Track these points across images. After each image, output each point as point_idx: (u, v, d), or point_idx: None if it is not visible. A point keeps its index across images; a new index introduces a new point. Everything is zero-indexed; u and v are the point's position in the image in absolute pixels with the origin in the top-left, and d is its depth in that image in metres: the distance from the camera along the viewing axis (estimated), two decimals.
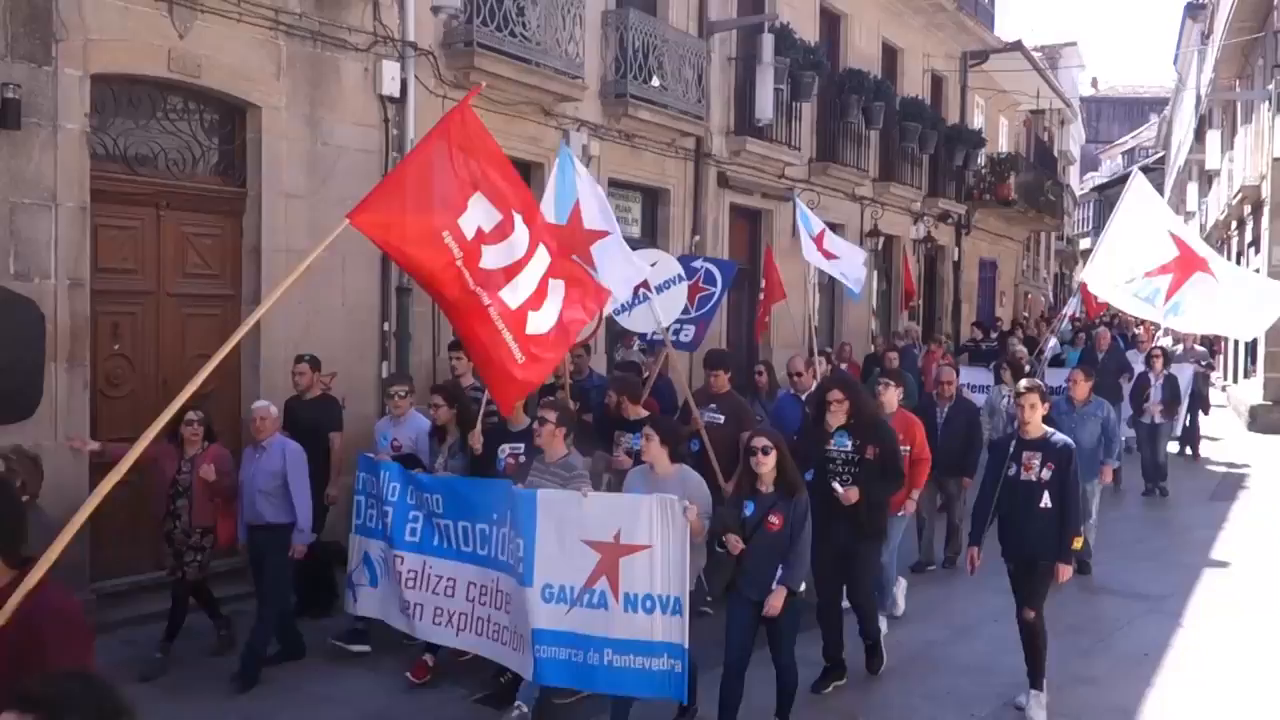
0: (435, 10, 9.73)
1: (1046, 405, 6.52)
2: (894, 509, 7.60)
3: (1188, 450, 15.67)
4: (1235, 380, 23.43)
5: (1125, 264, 9.23)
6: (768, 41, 14.18)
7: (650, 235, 14.13)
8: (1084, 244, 61.38)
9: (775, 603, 5.63)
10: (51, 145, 7.45)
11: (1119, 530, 11.12)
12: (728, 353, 9.41)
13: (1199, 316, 9.71)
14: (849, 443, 6.79)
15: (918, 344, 17.05)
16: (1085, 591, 9.06)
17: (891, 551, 7.99)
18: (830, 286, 18.88)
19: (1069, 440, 6.46)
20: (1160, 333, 19.09)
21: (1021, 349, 14.07)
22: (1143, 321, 26.82)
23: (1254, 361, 20.28)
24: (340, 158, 9.52)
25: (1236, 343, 23.65)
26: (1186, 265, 9.22)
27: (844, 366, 13.38)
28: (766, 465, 5.74)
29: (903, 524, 8.15)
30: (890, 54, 20.63)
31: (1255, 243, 20.62)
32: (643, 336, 10.60)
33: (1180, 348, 17.52)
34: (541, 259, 5.14)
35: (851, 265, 12.43)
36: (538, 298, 5.16)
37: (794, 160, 16.31)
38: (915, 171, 20.85)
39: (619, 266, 7.74)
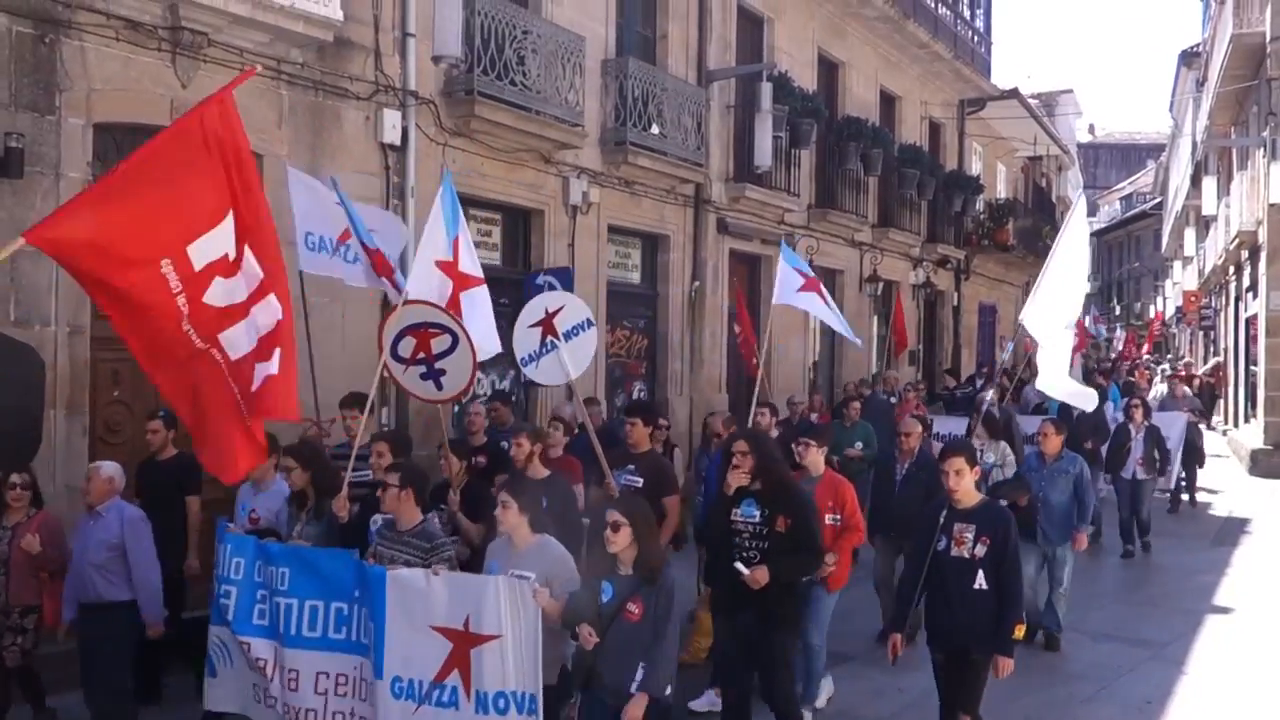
0: (436, 60, 9.85)
1: (975, 471, 5.62)
2: (832, 585, 6.84)
3: (1184, 498, 14.96)
4: (1236, 425, 23.39)
5: (1065, 305, 8.09)
6: (766, 89, 14.32)
7: (650, 281, 14.20)
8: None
9: (633, 713, 4.77)
10: (54, 194, 7.51)
11: (1120, 576, 11.08)
12: (649, 402, 8.64)
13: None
14: (757, 512, 5.90)
15: (894, 392, 15.85)
16: (1087, 638, 8.99)
17: (822, 633, 6.96)
18: (831, 331, 18.93)
19: (1006, 511, 5.65)
20: (1157, 379, 19.08)
21: (990, 396, 12.93)
22: (1137, 366, 26.92)
23: (1254, 406, 20.26)
24: None
25: (1237, 387, 23.65)
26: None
27: (814, 417, 12.95)
28: (617, 543, 4.92)
29: (833, 601, 6.96)
30: (888, 101, 20.82)
31: (1253, 287, 20.68)
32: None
33: (1163, 389, 17.42)
34: (270, 307, 4.52)
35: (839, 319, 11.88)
36: (264, 348, 4.59)
37: (793, 206, 16.41)
38: (914, 217, 20.96)
39: (483, 319, 7.18)
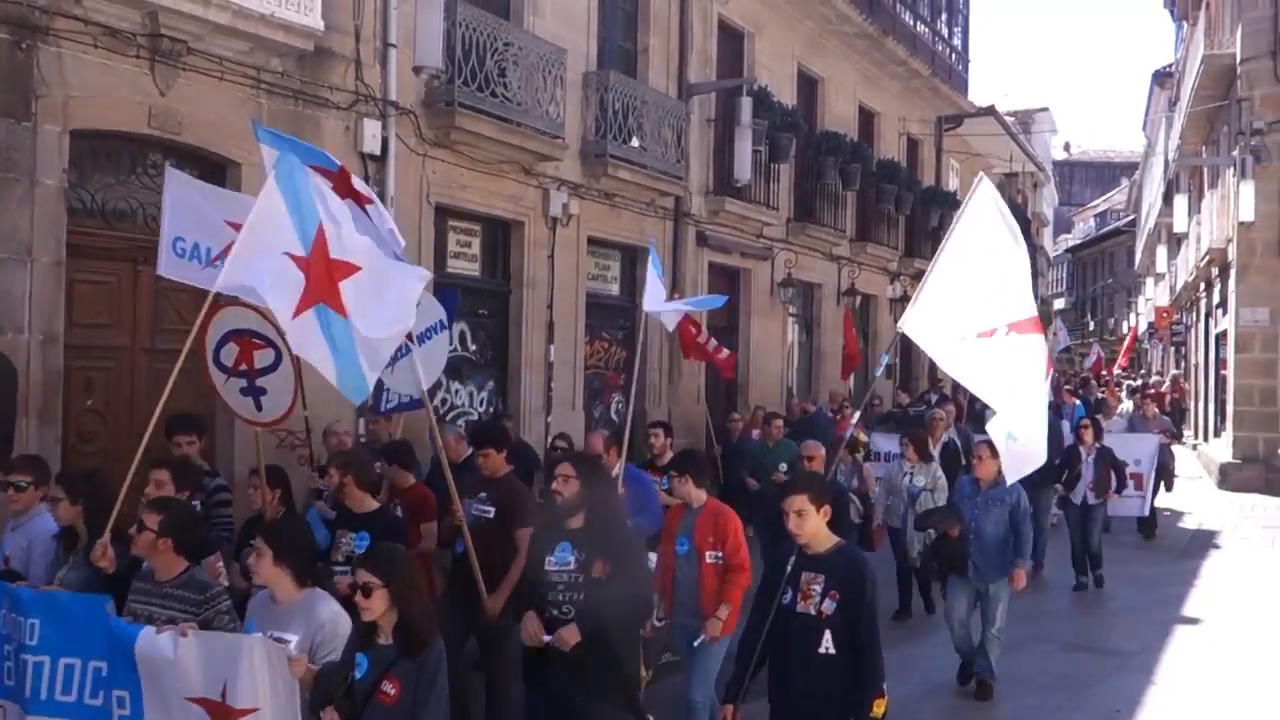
0: (417, 70, 9.88)
1: (823, 513, 4.58)
2: (723, 632, 5.85)
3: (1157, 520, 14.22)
4: (1205, 439, 23.63)
5: (958, 314, 5.83)
6: (746, 104, 14.43)
7: (629, 293, 14.25)
8: (1058, 304, 62.17)
9: None
10: (29, 200, 7.48)
11: (1091, 587, 11.16)
12: (500, 425, 7.51)
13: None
14: (572, 557, 4.97)
15: (840, 409, 14.96)
16: (1058, 648, 9.07)
17: (705, 687, 5.99)
18: (809, 345, 19.05)
19: (861, 559, 4.66)
20: (1124, 395, 19.15)
21: (940, 413, 12.01)
22: (1107, 383, 27.08)
23: (1223, 421, 20.48)
24: None
25: (1206, 403, 23.91)
26: (1024, 327, 5.92)
27: (755, 434, 12.71)
28: (370, 609, 3.98)
29: (721, 650, 5.92)
30: (867, 117, 21.00)
31: (1223, 304, 20.94)
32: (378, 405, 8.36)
33: (1128, 406, 17.11)
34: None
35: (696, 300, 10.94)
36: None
37: (772, 220, 16.51)
38: (891, 232, 21.13)
39: (376, 307, 5.77)
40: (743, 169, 14.58)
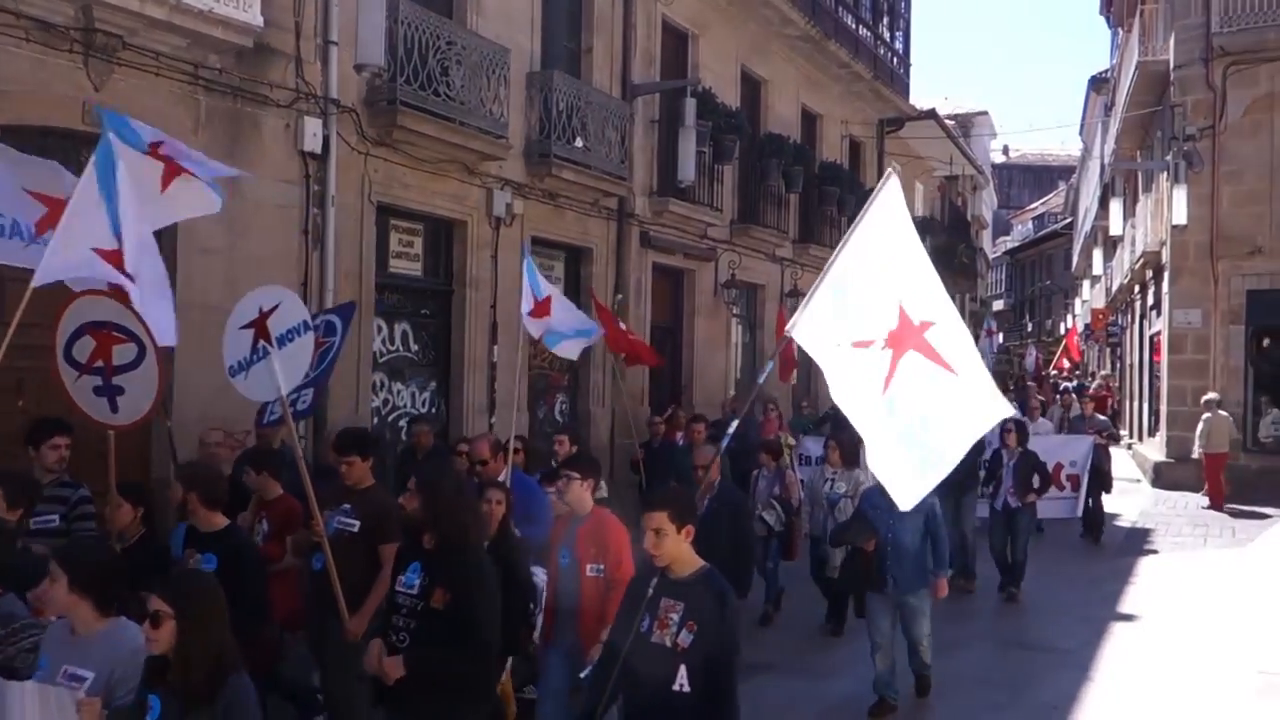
0: (359, 68, 9.77)
1: (685, 533, 4.17)
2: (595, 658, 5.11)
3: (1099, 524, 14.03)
4: (1140, 439, 24.12)
5: (843, 319, 5.32)
6: (690, 105, 14.46)
7: (574, 294, 14.20)
8: (997, 305, 63.12)
9: None
10: None
11: (1028, 585, 11.31)
12: (365, 431, 6.95)
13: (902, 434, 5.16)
14: (417, 580, 4.47)
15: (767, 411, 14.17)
16: (996, 645, 9.21)
17: None
18: (753, 346, 19.15)
19: (725, 589, 4.17)
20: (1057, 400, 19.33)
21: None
22: (1043, 380, 27.43)
23: (1157, 420, 20.91)
24: (259, 213, 9.47)
25: (1141, 403, 24.41)
26: (900, 340, 5.25)
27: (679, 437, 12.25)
28: (158, 640, 3.52)
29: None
30: (810, 120, 21.15)
31: (1156, 306, 21.38)
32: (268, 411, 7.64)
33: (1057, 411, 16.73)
34: None
35: (572, 325, 9.80)
36: None
37: (715, 221, 16.57)
38: (834, 233, 21.24)
39: (156, 306, 5.82)
40: (686, 170, 14.62)
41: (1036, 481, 10.98)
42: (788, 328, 5.29)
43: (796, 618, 9.80)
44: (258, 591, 5.44)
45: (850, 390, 5.12)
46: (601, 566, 5.57)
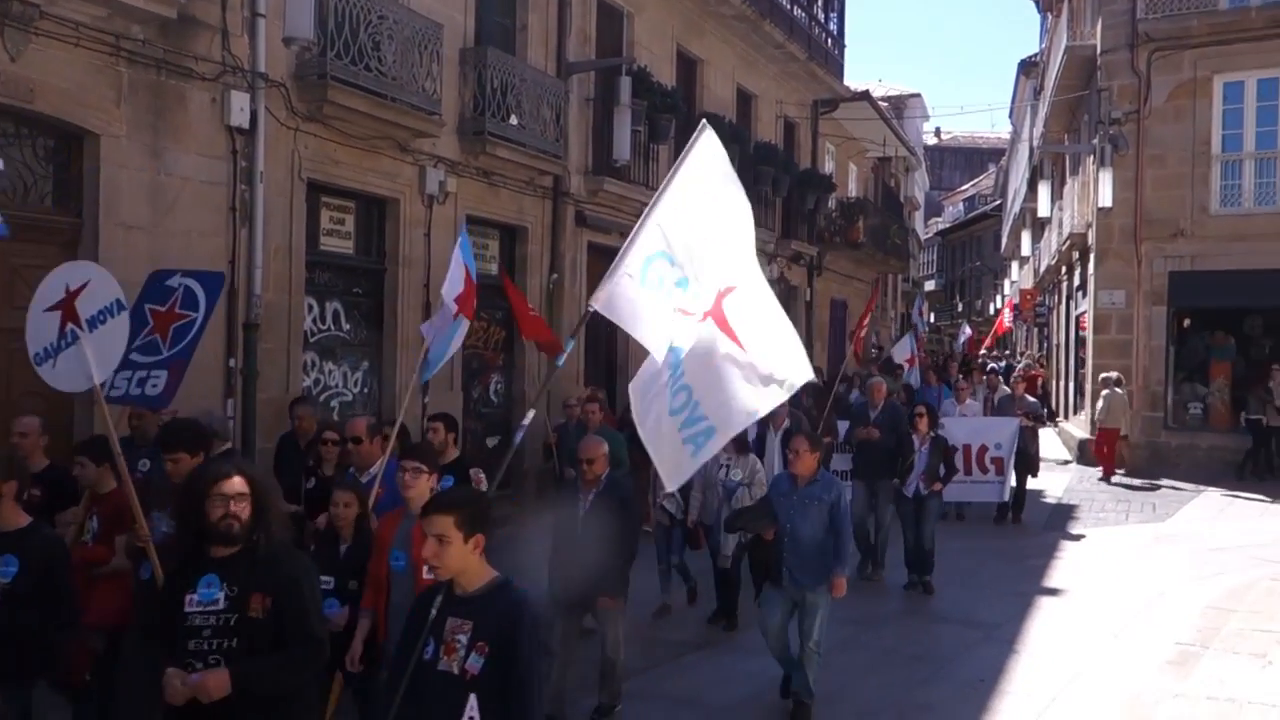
0: (287, 41, 9.58)
1: (474, 543, 3.66)
2: None
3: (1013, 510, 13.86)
4: (1066, 417, 24.66)
5: (658, 288, 4.75)
6: (625, 84, 14.41)
7: (509, 273, 14.14)
8: (928, 285, 63.99)
9: None
10: None
11: (956, 559, 11.52)
12: (195, 424, 6.18)
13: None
14: (220, 593, 3.83)
15: None
16: (923, 620, 9.38)
17: None
18: None
19: (521, 601, 3.65)
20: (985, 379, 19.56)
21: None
22: (971, 359, 27.88)
23: (1082, 399, 21.38)
24: (185, 189, 9.26)
25: (1067, 382, 24.94)
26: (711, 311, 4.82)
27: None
28: None
29: None
30: (745, 99, 21.20)
31: (1082, 287, 21.83)
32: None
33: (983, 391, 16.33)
34: None
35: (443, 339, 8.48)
36: None
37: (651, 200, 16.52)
38: (769, 214, 21.41)
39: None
40: (622, 149, 14.58)
41: (942, 470, 10.62)
42: (591, 300, 4.69)
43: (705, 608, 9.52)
44: (68, 595, 5.05)
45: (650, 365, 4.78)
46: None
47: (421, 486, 5.43)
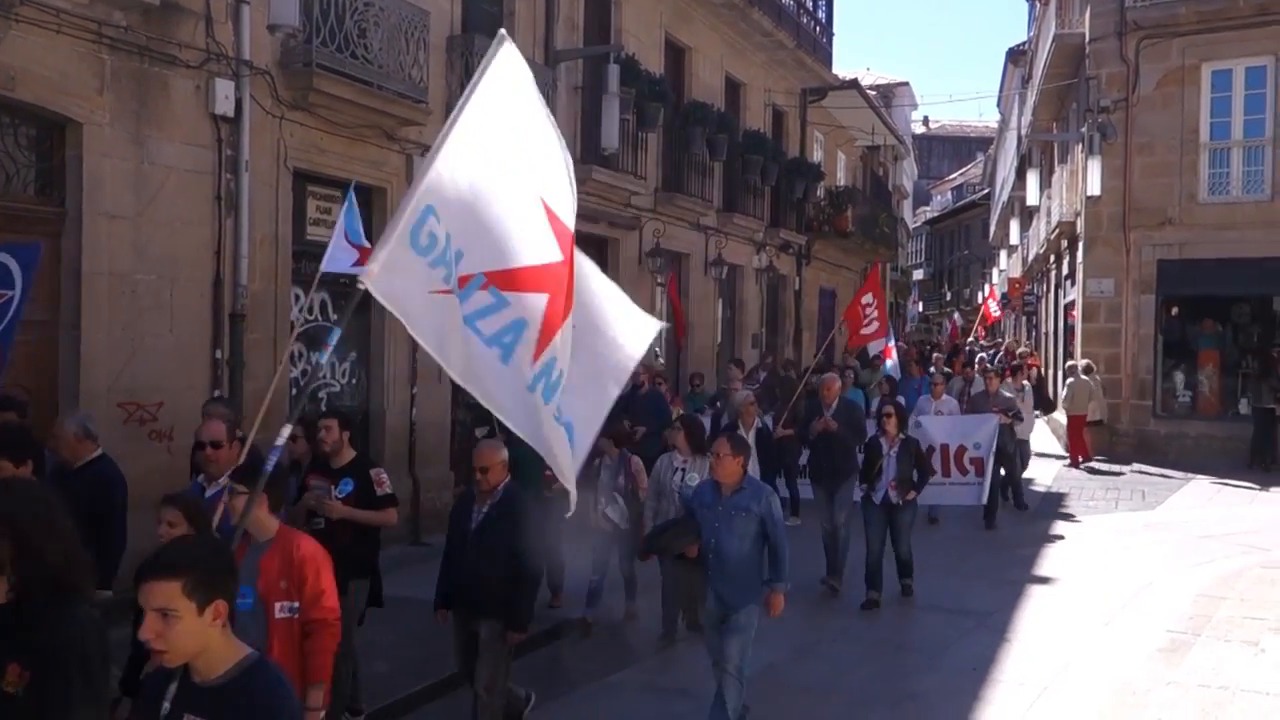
0: (272, 29, 9.47)
1: (214, 611, 2.75)
2: None
3: (1001, 505, 13.28)
4: (1055, 407, 24.70)
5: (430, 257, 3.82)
6: (613, 72, 14.32)
7: None
8: (917, 274, 64.06)
9: None
10: None
11: (945, 549, 11.55)
12: (17, 430, 5.68)
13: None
14: None
15: (653, 384, 13.16)
16: (914, 609, 9.37)
17: None
18: (733, 322, 19.14)
19: (277, 684, 2.86)
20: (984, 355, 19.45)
21: (749, 396, 11.02)
22: (958, 352, 27.80)
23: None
24: (169, 178, 9.16)
25: (1055, 370, 24.97)
26: (557, 282, 3.97)
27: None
28: None
29: None
30: (733, 88, 21.12)
31: (1071, 275, 21.86)
32: None
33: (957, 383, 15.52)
34: None
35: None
36: None
37: (640, 189, 16.49)
38: (757, 202, 21.36)
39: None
40: (610, 137, 14.50)
41: (916, 476, 9.65)
42: (363, 277, 3.70)
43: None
44: None
45: (447, 349, 3.65)
46: (296, 605, 4.55)
47: (258, 515, 4.50)
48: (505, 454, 6.11)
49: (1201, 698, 7.12)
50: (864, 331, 15.42)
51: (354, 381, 11.64)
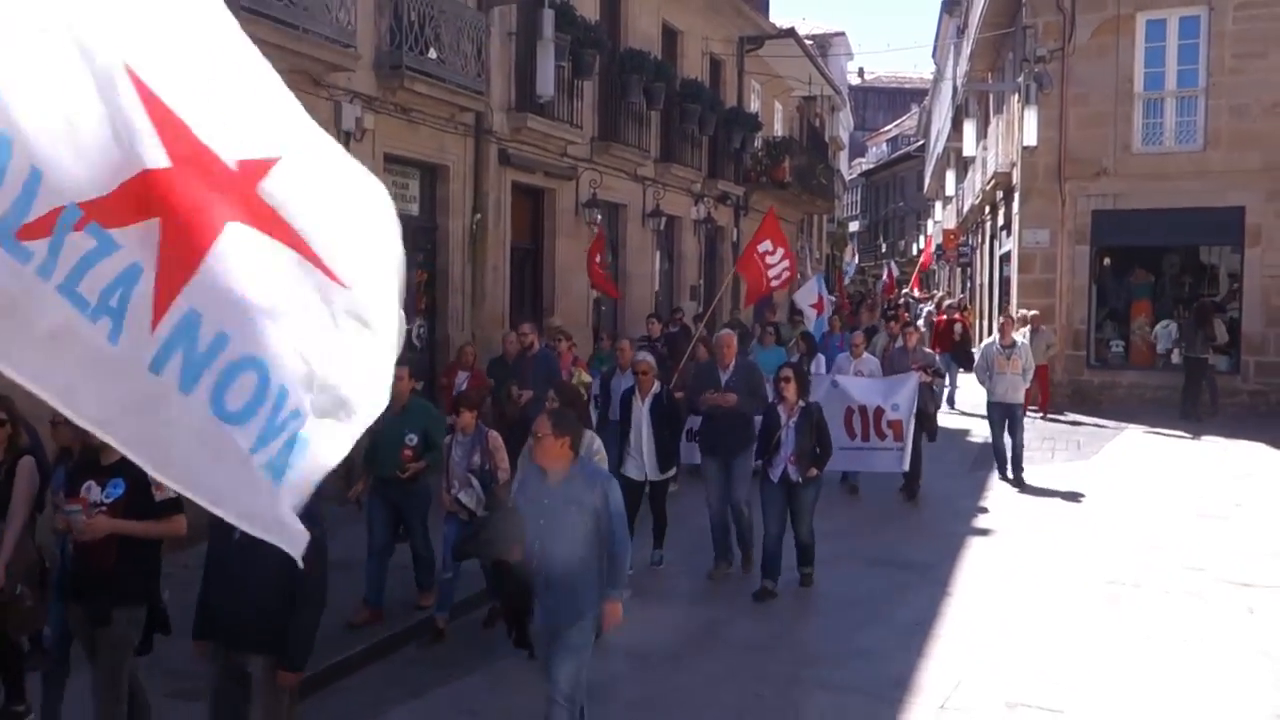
0: None
1: None
2: None
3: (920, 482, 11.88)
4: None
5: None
6: (548, 17, 13.93)
7: (429, 213, 13.67)
8: (853, 226, 64.32)
9: None
10: None
11: (886, 502, 11.53)
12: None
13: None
14: None
15: (549, 343, 11.95)
16: (857, 563, 9.31)
17: None
18: (615, 267, 18.90)
19: None
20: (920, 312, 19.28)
21: (648, 359, 9.20)
22: (897, 306, 27.74)
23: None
24: None
25: (991, 312, 25.17)
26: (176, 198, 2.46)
27: (464, 375, 10.79)
28: None
29: None
30: (670, 36, 20.75)
31: (1007, 226, 21.96)
32: None
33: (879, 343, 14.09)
34: None
35: None
36: None
37: (576, 139, 16.15)
38: (695, 153, 21.10)
39: None
40: (545, 85, 14.14)
41: (818, 450, 8.44)
42: None
43: None
44: None
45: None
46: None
47: None
48: None
49: (1146, 649, 7.16)
50: (773, 283, 13.85)
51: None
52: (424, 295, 13.72)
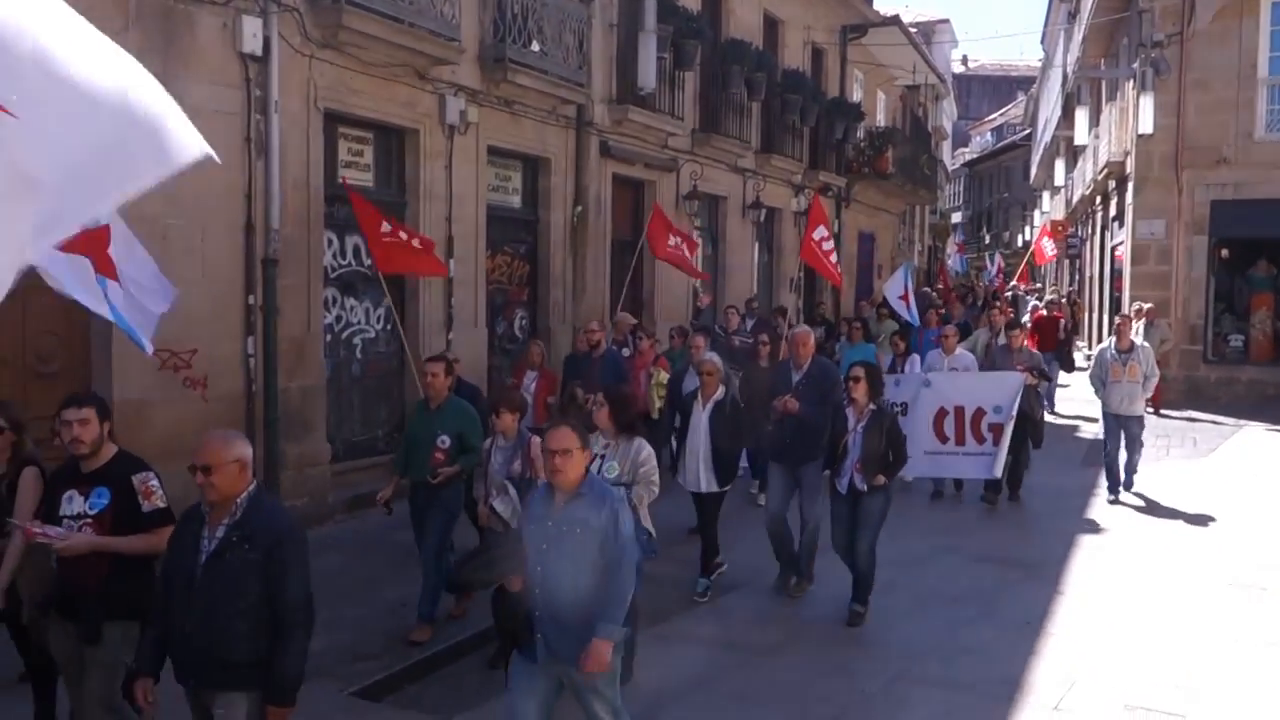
0: None
1: None
2: None
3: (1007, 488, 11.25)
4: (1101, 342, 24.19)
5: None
6: (650, 7, 13.92)
7: (531, 206, 13.78)
8: (956, 217, 63.13)
9: None
10: None
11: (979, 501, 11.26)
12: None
13: None
14: None
15: (628, 342, 12.14)
16: (964, 560, 9.11)
17: None
18: (715, 259, 18.83)
19: None
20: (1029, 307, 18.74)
21: (710, 359, 8.38)
22: (997, 300, 26.79)
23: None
24: (196, 119, 8.78)
25: (1101, 315, 24.42)
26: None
27: (533, 375, 10.52)
28: None
29: None
30: (771, 25, 20.57)
31: (1119, 217, 21.28)
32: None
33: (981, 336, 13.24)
34: None
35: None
36: None
37: (677, 130, 16.12)
38: (796, 144, 20.89)
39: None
40: (647, 77, 14.12)
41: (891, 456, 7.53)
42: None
43: None
44: None
45: None
46: None
47: None
48: (240, 449, 4.19)
49: (1270, 656, 6.86)
50: (836, 268, 15.37)
51: (389, 327, 11.45)
52: (525, 288, 13.85)
